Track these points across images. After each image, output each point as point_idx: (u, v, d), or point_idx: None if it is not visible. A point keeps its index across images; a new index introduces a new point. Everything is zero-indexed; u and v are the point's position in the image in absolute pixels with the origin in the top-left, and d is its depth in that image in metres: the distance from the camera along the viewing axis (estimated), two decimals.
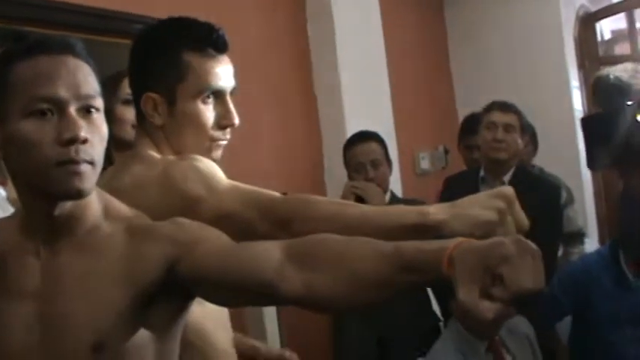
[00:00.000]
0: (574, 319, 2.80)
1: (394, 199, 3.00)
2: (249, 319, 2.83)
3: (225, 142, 1.53)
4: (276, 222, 1.30)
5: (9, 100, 1.09)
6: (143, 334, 1.15)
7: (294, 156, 3.48)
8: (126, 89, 2.05)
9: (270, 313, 2.86)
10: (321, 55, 3.59)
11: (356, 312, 2.50)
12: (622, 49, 5.80)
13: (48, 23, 2.36)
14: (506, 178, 2.94)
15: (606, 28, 5.90)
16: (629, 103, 2.65)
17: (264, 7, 3.40)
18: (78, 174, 1.07)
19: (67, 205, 1.13)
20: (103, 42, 2.57)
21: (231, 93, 1.52)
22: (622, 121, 2.56)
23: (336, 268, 1.03)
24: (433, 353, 2.50)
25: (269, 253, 1.08)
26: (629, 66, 2.81)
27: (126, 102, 2.11)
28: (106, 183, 1.36)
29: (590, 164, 3.08)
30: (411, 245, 0.99)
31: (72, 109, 1.08)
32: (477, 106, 3.23)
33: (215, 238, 1.15)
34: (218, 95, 1.49)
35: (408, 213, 1.25)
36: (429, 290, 2.95)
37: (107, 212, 1.19)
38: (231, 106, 1.50)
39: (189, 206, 1.31)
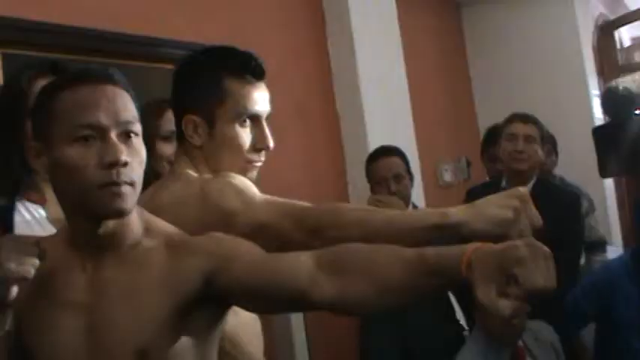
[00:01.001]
0: (598, 326, 2.81)
1: None
2: (277, 328, 2.87)
3: (260, 164, 1.60)
4: (309, 230, 1.36)
5: (54, 127, 1.17)
6: (184, 342, 1.21)
7: (318, 170, 3.53)
8: (167, 125, 2.10)
9: (297, 322, 2.90)
10: (342, 71, 3.65)
11: (383, 317, 2.54)
12: None
13: (89, 51, 2.46)
14: (527, 188, 2.96)
15: (625, 35, 5.89)
16: (638, 112, 2.69)
17: (285, 26, 3.47)
18: (119, 195, 1.15)
19: (110, 224, 1.20)
20: (139, 67, 2.66)
21: (267, 118, 1.59)
22: (630, 131, 2.61)
23: (364, 274, 1.10)
24: None
25: (301, 263, 1.15)
26: (637, 77, 2.86)
27: (165, 138, 2.14)
28: (147, 201, 1.43)
29: (602, 172, 3.13)
30: (432, 251, 1.06)
31: (113, 135, 1.16)
32: (498, 117, 3.26)
33: (249, 250, 1.21)
34: (254, 119, 1.57)
35: (430, 214, 1.33)
36: (453, 299, 2.98)
37: (147, 229, 1.27)
38: (267, 130, 1.58)
39: (226, 220, 1.39)
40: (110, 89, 1.18)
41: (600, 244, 3.42)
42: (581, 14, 4.87)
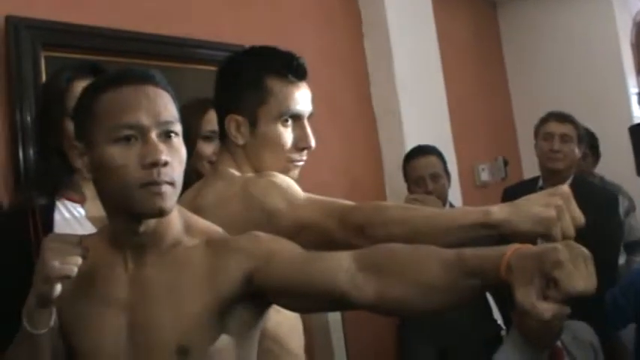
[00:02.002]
0: (638, 326, 2.79)
1: None
2: (315, 328, 2.88)
3: (301, 163, 1.62)
4: (351, 228, 1.37)
5: (96, 127, 1.19)
6: (224, 339, 1.23)
7: (355, 170, 3.54)
8: (208, 125, 2.12)
9: (335, 322, 2.91)
10: (378, 70, 3.66)
11: (422, 318, 2.53)
12: None
13: (131, 53, 2.50)
14: None
15: None
16: None
17: (321, 25, 3.50)
18: (160, 194, 1.17)
19: (151, 223, 1.22)
20: (179, 68, 2.69)
21: (308, 117, 1.61)
22: None
23: (404, 275, 1.09)
24: None
25: (341, 263, 1.14)
26: None
27: (206, 138, 2.16)
28: (190, 201, 1.46)
29: (639, 171, 3.09)
30: (471, 252, 1.05)
31: (153, 135, 1.18)
32: (535, 116, 3.24)
33: (289, 249, 1.22)
34: (296, 119, 1.59)
35: (471, 212, 1.31)
36: (491, 298, 2.97)
37: (188, 228, 1.29)
38: (309, 129, 1.60)
39: (269, 219, 1.41)
40: (151, 89, 1.20)
41: None
42: (620, 11, 4.80)
